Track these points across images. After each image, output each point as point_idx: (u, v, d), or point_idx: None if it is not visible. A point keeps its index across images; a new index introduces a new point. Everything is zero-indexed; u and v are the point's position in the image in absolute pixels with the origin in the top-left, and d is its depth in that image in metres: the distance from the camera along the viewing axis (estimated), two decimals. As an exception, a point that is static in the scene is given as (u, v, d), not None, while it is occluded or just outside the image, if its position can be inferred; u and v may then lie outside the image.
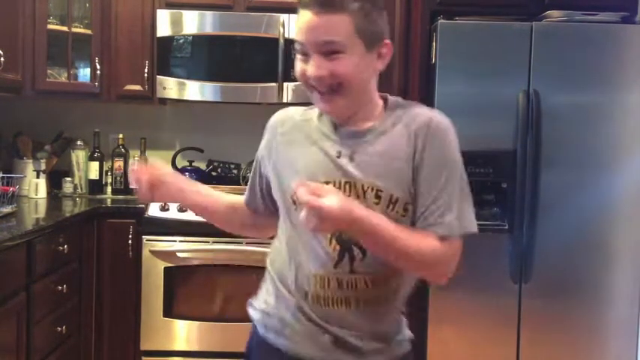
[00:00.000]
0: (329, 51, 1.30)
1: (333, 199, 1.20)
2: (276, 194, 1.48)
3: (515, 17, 3.07)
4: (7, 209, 2.80)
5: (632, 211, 3.05)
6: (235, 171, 3.71)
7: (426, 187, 1.34)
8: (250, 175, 1.61)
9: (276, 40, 3.29)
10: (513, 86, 2.98)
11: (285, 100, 3.29)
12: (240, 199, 1.62)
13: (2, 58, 2.90)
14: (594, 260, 3.04)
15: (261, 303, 1.50)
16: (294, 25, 1.40)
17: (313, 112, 1.46)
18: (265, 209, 1.57)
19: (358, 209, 1.25)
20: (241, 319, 3.16)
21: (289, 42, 3.31)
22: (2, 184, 2.88)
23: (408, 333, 1.49)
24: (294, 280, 1.41)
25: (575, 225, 3.03)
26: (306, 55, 1.33)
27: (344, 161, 1.36)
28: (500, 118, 2.98)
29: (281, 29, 3.29)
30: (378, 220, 1.27)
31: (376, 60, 1.36)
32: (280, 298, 1.44)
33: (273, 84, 3.29)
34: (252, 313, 1.53)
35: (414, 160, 1.34)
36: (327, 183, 1.34)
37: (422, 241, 1.31)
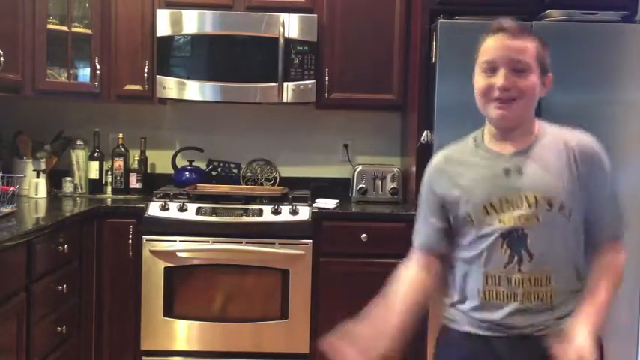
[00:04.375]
0: (517, 68, 1.58)
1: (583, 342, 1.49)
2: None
3: (516, 16, 3.04)
4: (7, 209, 2.80)
5: (633, 212, 3.03)
6: (235, 171, 3.70)
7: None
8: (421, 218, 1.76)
9: (276, 39, 3.29)
10: (513, 86, 2.97)
11: (285, 100, 3.27)
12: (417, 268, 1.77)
13: (2, 58, 2.90)
14: (594, 260, 3.04)
15: None
16: (481, 47, 1.68)
17: (467, 145, 1.73)
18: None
19: (591, 325, 1.54)
20: (241, 319, 3.20)
21: (289, 42, 3.32)
22: (2, 184, 2.88)
23: None
24: None
25: (575, 224, 3.02)
26: (492, 72, 1.61)
27: (514, 177, 1.60)
28: (501, 117, 2.98)
29: (281, 29, 3.29)
30: (598, 308, 1.61)
31: (541, 87, 1.63)
32: None
33: (273, 84, 3.29)
34: None
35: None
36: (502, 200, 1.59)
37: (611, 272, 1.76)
